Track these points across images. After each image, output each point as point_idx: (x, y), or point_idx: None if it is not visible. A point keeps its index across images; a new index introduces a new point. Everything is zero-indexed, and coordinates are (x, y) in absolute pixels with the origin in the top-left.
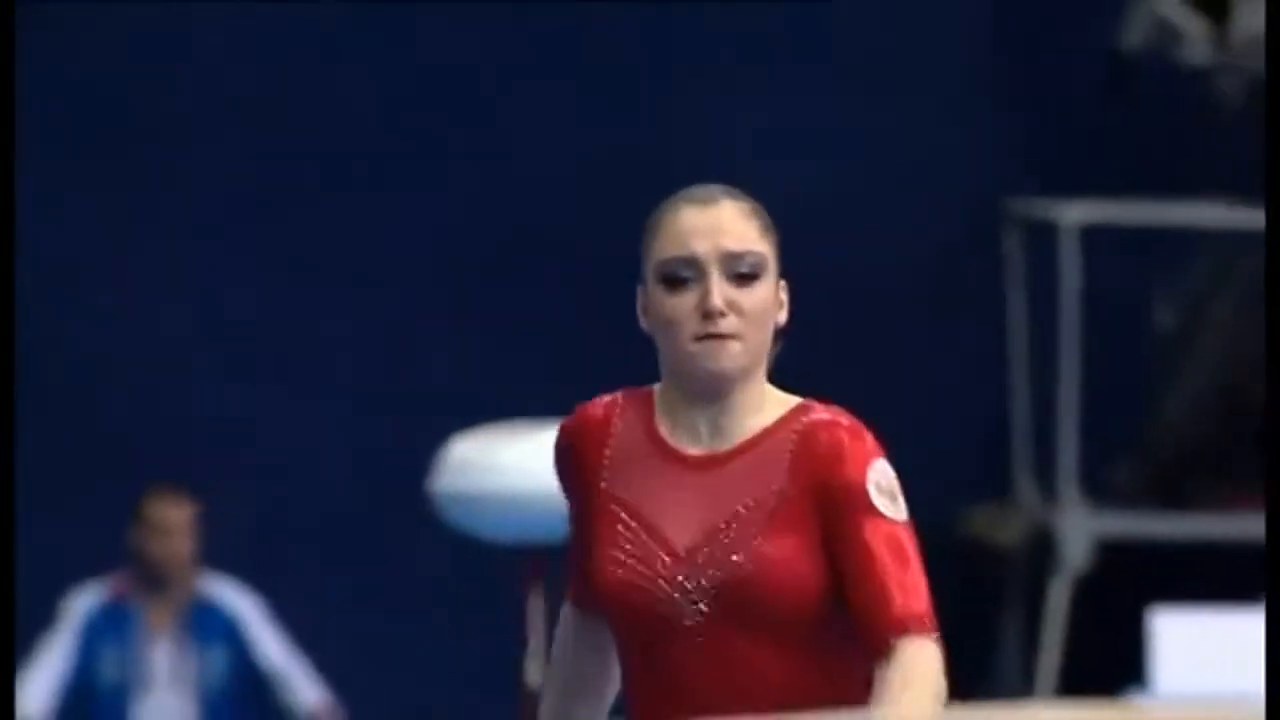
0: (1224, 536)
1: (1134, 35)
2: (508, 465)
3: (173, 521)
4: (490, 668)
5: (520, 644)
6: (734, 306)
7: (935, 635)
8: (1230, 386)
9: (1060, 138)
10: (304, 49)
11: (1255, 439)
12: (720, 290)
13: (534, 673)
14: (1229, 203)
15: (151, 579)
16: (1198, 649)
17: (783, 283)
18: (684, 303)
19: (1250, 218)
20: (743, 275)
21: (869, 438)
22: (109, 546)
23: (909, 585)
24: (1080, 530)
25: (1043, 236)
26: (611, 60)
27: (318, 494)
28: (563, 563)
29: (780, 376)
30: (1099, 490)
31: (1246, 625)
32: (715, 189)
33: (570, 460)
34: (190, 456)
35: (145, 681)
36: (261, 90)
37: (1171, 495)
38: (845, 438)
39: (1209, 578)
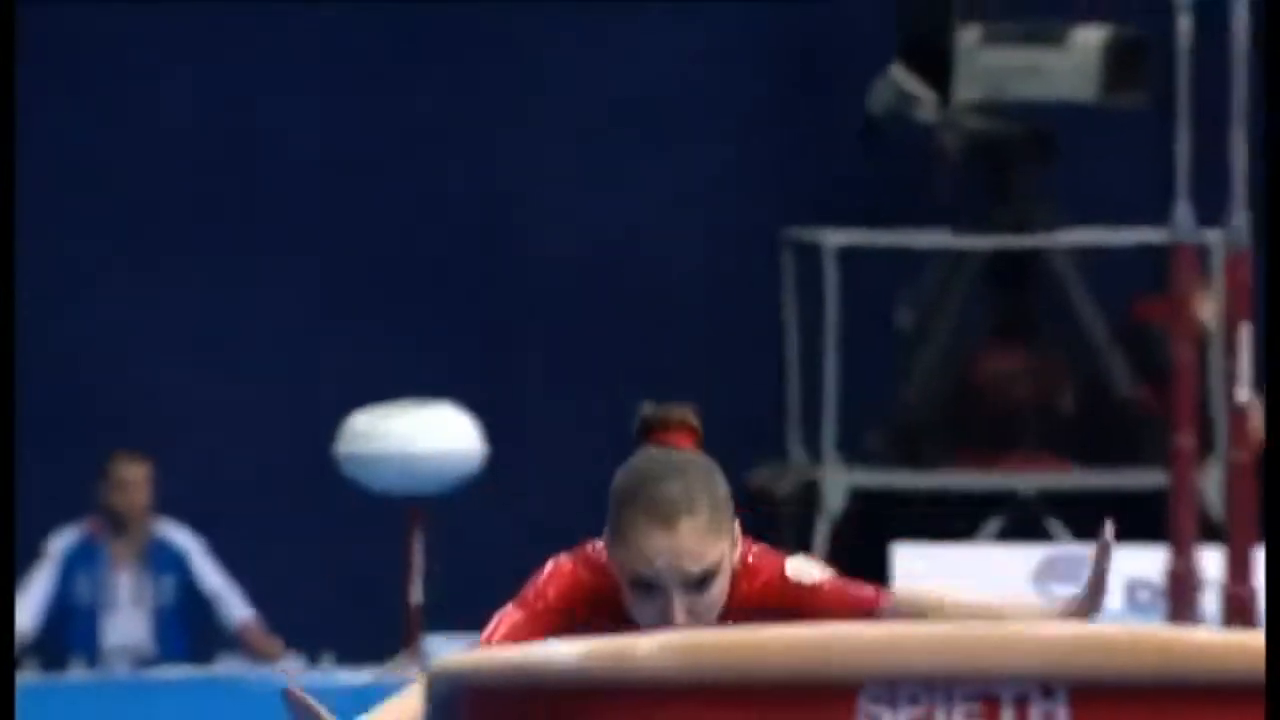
0: (949, 488)
1: (879, 100)
2: (395, 434)
3: (131, 478)
4: (381, 590)
5: (404, 571)
6: (693, 610)
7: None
8: (954, 373)
9: (824, 179)
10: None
11: (972, 412)
12: (680, 604)
13: (415, 593)
14: (951, 229)
15: (115, 523)
16: (928, 574)
17: (736, 524)
18: (648, 606)
19: (966, 241)
20: (701, 581)
21: (775, 557)
22: (81, 498)
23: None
24: (838, 483)
25: (810, 255)
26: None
27: (246, 456)
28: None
29: (605, 371)
30: (852, 452)
31: (965, 555)
32: (676, 502)
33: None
34: (145, 427)
35: (111, 603)
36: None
37: (908, 456)
38: (760, 577)
39: (937, 519)
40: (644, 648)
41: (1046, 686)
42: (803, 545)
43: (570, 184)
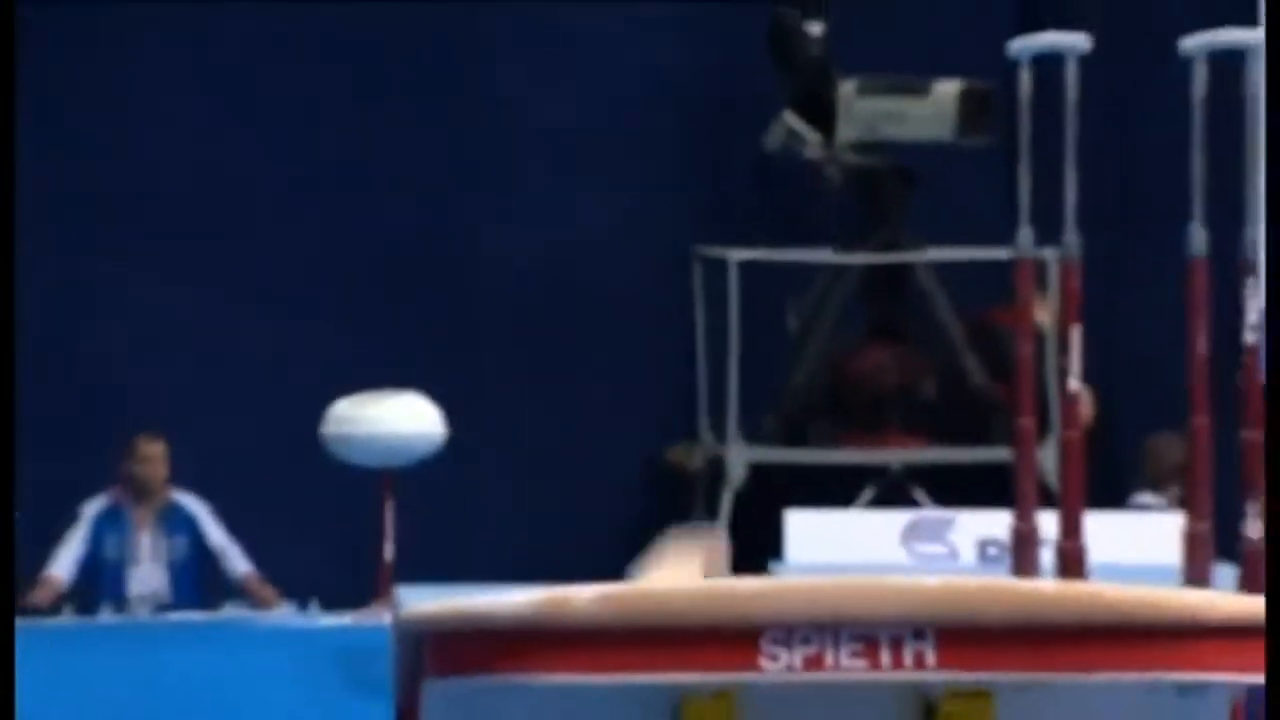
0: (830, 462)
1: (774, 139)
2: (370, 417)
3: (151, 454)
4: (359, 547)
5: (378, 532)
6: None
7: None
8: (832, 367)
9: (729, 205)
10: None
11: (849, 399)
12: None
13: (387, 550)
14: (832, 248)
15: (137, 491)
16: (815, 536)
17: None
18: None
19: (845, 257)
20: None
21: None
22: (109, 471)
23: None
24: (739, 459)
25: (717, 269)
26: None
27: (245, 435)
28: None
29: (547, 366)
30: (751, 433)
31: (845, 520)
32: None
33: None
34: (161, 412)
35: (134, 558)
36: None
37: (797, 436)
38: None
39: (821, 489)
40: (580, 598)
41: (918, 630)
42: (711, 510)
43: (518, 207)
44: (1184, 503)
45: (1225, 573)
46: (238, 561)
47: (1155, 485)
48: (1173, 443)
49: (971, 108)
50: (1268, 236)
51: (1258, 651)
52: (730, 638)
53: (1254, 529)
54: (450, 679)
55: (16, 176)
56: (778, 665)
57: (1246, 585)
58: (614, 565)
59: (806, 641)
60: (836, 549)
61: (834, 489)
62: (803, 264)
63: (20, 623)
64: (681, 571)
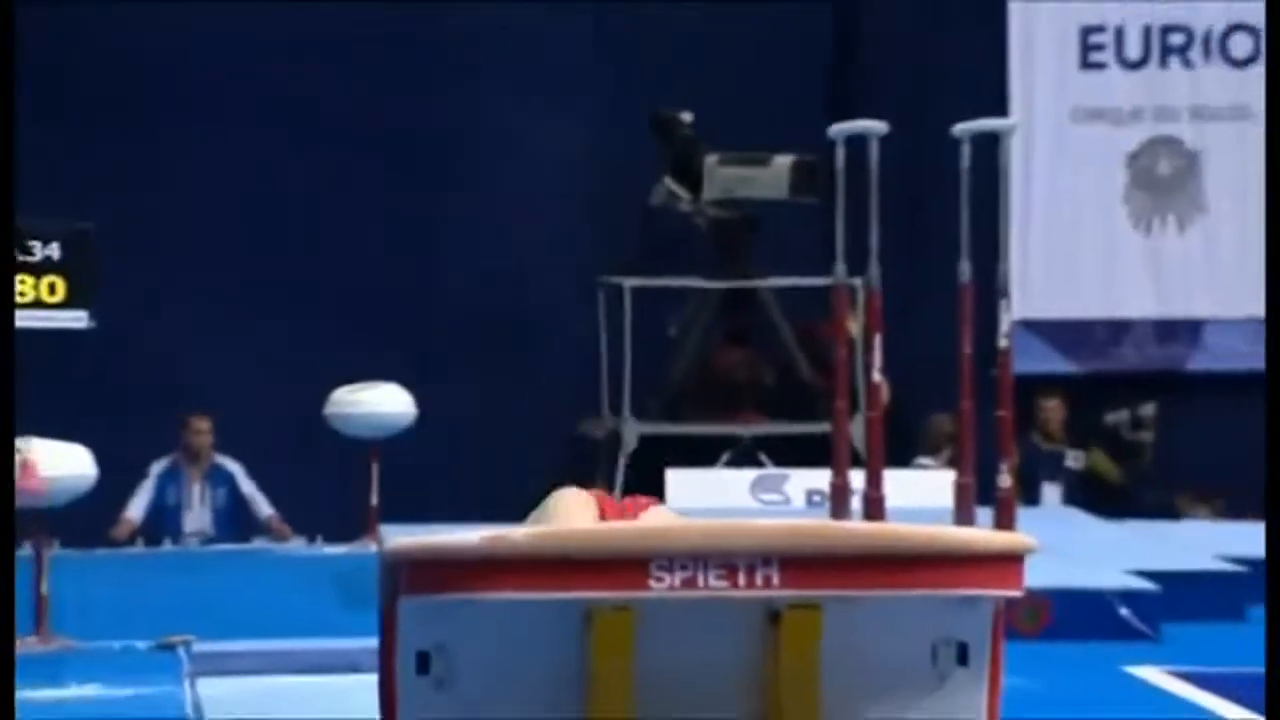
0: (699, 434)
1: (658, 196)
2: (361, 401)
3: (201, 427)
4: (353, 496)
5: (367, 485)
6: None
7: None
8: (700, 364)
9: (625, 244)
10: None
11: (713, 387)
12: None
13: (374, 498)
14: (701, 276)
15: (190, 455)
16: (688, 488)
17: None
18: None
19: (710, 284)
20: None
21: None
22: (170, 440)
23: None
24: (632, 431)
25: (616, 292)
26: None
27: (270, 414)
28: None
29: (491, 364)
30: (641, 411)
31: (709, 476)
32: None
33: None
34: (208, 396)
35: (188, 504)
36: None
37: (675, 414)
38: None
39: (691, 454)
40: (515, 535)
41: (765, 559)
42: (611, 469)
43: (469, 246)
44: (954, 463)
45: (984, 514)
46: (264, 507)
47: (933, 451)
48: (945, 420)
49: (800, 175)
50: (1268, 237)
51: (1011, 572)
52: (627, 565)
53: (1004, 481)
54: (419, 596)
55: (15, 177)
56: (663, 586)
57: (999, 524)
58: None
59: (684, 568)
60: (704, 498)
61: (702, 454)
62: (678, 288)
63: (103, 551)
64: (577, 517)
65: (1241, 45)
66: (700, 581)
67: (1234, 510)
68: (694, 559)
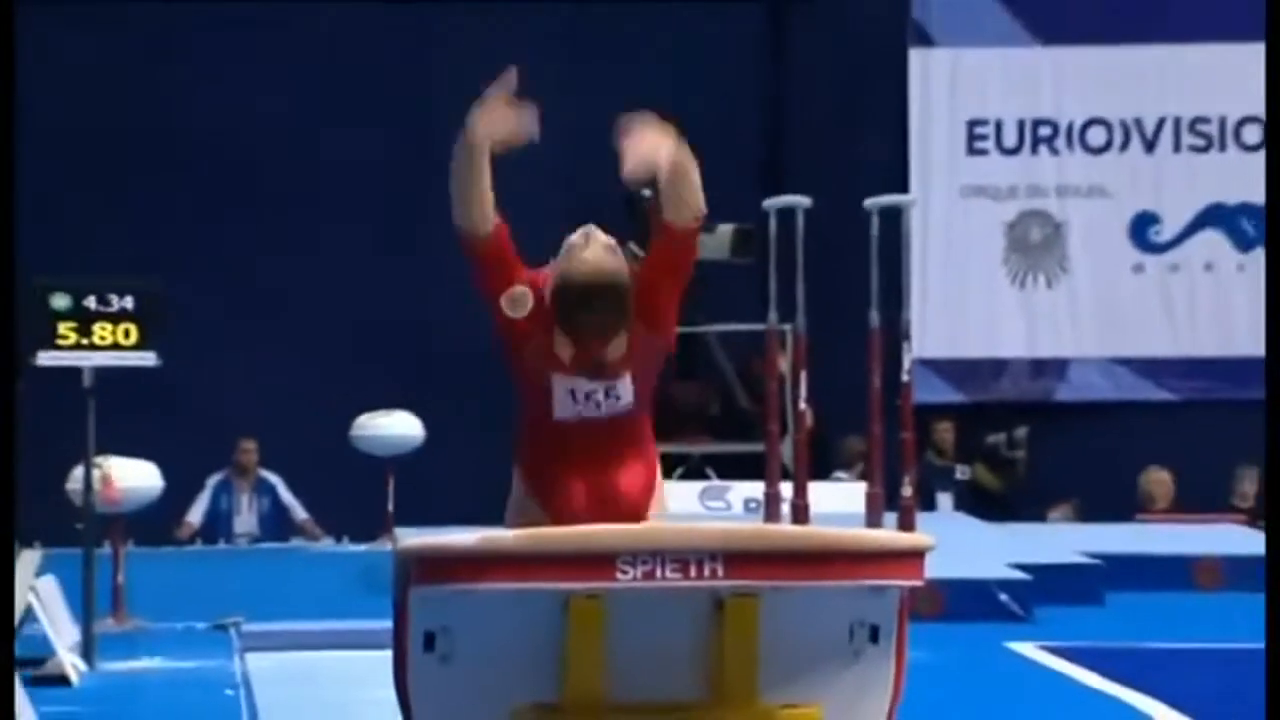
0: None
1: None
2: (379, 425)
3: (249, 447)
4: (373, 503)
5: (384, 494)
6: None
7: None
8: (660, 395)
9: None
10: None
11: (669, 413)
12: None
13: (389, 505)
14: None
15: (240, 470)
16: None
17: None
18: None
19: None
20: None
21: None
22: (225, 457)
23: None
24: None
25: None
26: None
27: (305, 437)
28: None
29: (484, 397)
30: None
31: (666, 487)
32: None
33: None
34: (254, 422)
35: (238, 511)
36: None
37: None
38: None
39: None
40: (505, 536)
41: (712, 555)
42: None
43: (460, 299)
44: (865, 476)
45: (890, 518)
46: (300, 512)
47: (847, 466)
48: (857, 440)
49: (739, 240)
50: (1268, 239)
51: (914, 566)
52: (597, 561)
53: (906, 491)
54: (426, 586)
55: (15, 178)
56: (627, 577)
57: (902, 526)
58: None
59: (645, 563)
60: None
61: (685, 470)
62: None
63: (169, 548)
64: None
65: (1097, 136)
66: (658, 574)
67: (1090, 514)
68: (653, 555)
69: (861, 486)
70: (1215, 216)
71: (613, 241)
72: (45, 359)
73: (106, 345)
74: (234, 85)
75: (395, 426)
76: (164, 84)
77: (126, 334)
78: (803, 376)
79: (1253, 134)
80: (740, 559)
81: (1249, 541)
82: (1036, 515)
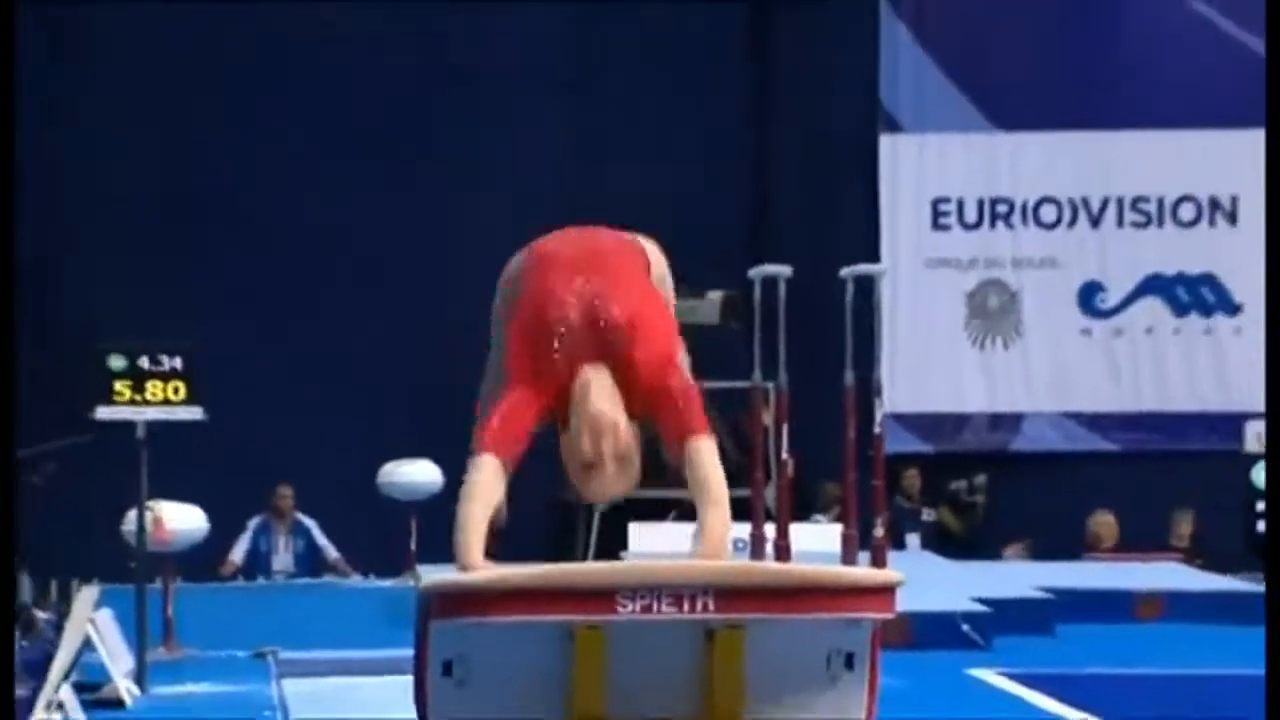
0: (653, 498)
1: None
2: (402, 473)
3: (285, 493)
4: (397, 543)
5: (408, 535)
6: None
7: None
8: (655, 445)
9: None
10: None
11: (664, 464)
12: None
13: (413, 545)
14: None
15: (278, 513)
16: (646, 537)
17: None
18: None
19: None
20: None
21: None
22: (263, 502)
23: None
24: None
25: None
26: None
27: (336, 484)
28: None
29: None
30: None
31: (660, 528)
32: None
33: None
34: (291, 470)
35: (276, 550)
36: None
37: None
38: None
39: (648, 512)
40: (517, 573)
41: (704, 590)
42: (587, 528)
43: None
44: (840, 519)
45: (863, 557)
46: (331, 552)
47: (825, 510)
48: (834, 486)
49: (728, 306)
50: (1268, 241)
51: (886, 600)
52: (600, 595)
53: (878, 532)
54: (445, 619)
55: (15, 181)
56: (626, 610)
57: (875, 564)
58: (535, 551)
59: (643, 597)
60: (658, 545)
61: (656, 512)
62: None
63: (213, 584)
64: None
65: (1049, 213)
66: (655, 608)
67: (1042, 553)
68: (650, 590)
69: (838, 528)
70: (1154, 285)
71: (608, 387)
72: (103, 414)
73: (158, 401)
74: (270, 143)
75: (418, 474)
76: (205, 140)
77: (176, 391)
78: (785, 429)
79: (1188, 212)
80: (729, 594)
81: (1186, 578)
82: (994, 554)
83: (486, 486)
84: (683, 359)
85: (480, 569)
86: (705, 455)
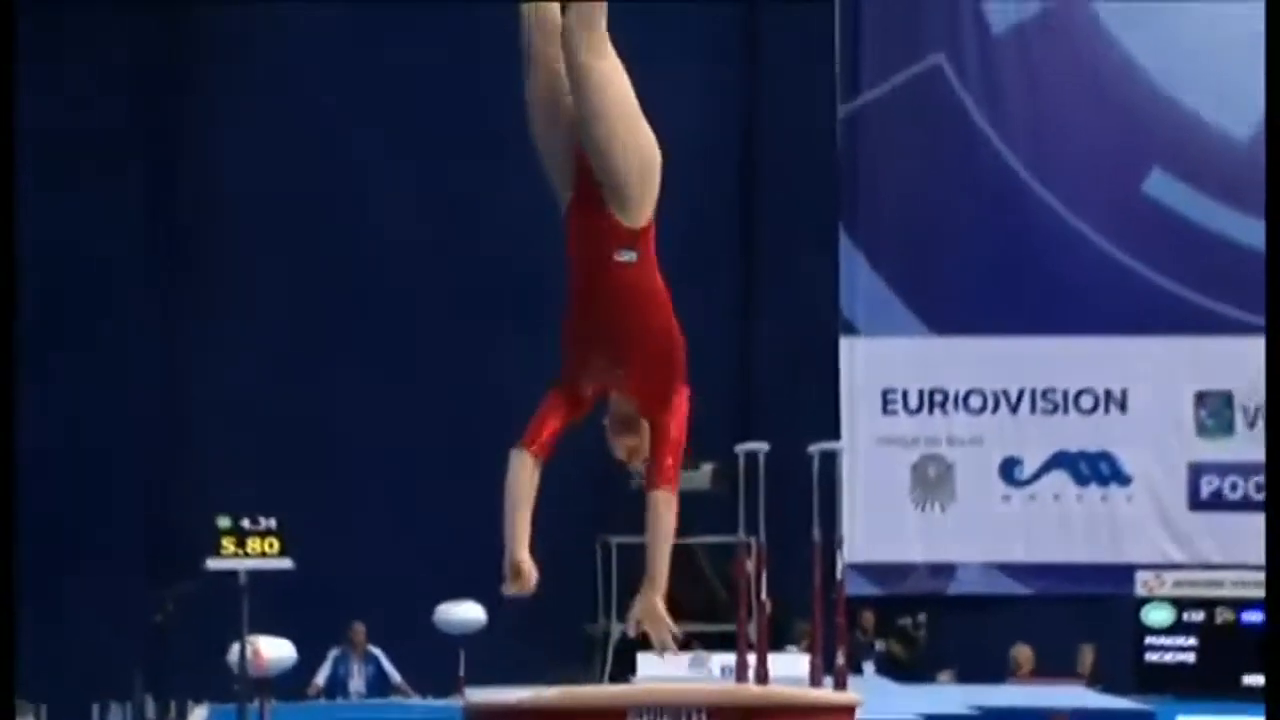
0: None
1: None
2: (454, 612)
3: (359, 629)
4: (449, 669)
5: (457, 665)
6: None
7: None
8: None
9: (615, 509)
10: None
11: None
12: None
13: (460, 669)
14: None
15: (352, 645)
16: (650, 666)
17: None
18: None
19: None
20: None
21: None
22: (340, 636)
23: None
24: (617, 629)
25: (606, 547)
26: None
27: (400, 621)
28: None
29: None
30: (622, 616)
31: (663, 659)
32: None
33: None
34: (364, 608)
35: (351, 675)
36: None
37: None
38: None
39: (649, 644)
40: (548, 694)
41: (699, 710)
42: (605, 651)
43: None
44: (809, 649)
45: (828, 681)
46: (396, 676)
47: (797, 642)
48: (804, 624)
49: (717, 476)
50: (1268, 239)
51: (846, 716)
52: (614, 713)
53: (840, 660)
54: None
55: (15, 181)
56: None
57: (837, 687)
58: (567, 675)
59: (651, 714)
60: (663, 671)
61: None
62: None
63: (301, 703)
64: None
65: (976, 401)
66: None
67: (971, 677)
68: (655, 710)
69: (807, 657)
70: (1061, 461)
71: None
72: (212, 564)
73: (256, 554)
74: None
75: (466, 613)
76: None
77: (270, 545)
78: (764, 576)
79: (1087, 401)
80: (719, 712)
81: (1088, 698)
82: (932, 678)
83: (526, 487)
84: (684, 400)
85: (525, 564)
86: (663, 506)
